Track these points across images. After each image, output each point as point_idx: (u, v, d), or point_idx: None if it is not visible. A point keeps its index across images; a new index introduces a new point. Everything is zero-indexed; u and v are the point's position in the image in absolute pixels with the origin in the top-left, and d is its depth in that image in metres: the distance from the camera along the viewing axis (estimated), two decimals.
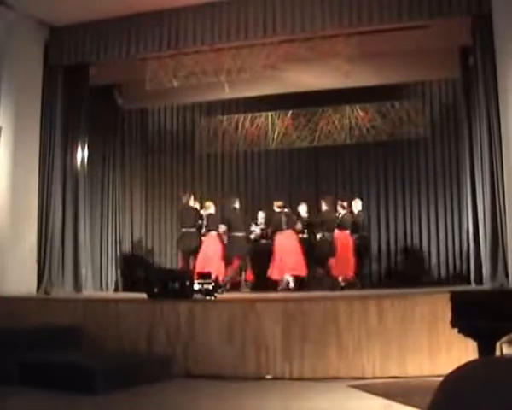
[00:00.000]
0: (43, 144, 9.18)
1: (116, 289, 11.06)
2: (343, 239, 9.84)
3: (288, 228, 9.79)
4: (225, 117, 12.22)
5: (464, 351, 5.21)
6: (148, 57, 9.57)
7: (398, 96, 11.38)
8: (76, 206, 9.45)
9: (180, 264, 10.60)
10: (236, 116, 12.10)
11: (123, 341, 6.57)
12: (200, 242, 9.97)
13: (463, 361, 1.18)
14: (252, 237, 10.38)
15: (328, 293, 8.73)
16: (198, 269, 9.08)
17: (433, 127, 11.23)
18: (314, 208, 10.63)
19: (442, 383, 1.13)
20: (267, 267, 9.70)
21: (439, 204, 11.10)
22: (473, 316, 4.12)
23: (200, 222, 10.07)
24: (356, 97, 11.10)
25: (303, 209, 10.40)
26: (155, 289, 7.14)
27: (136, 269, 11.27)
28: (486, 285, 7.66)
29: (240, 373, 6.00)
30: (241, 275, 10.10)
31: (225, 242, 10.09)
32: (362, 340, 5.93)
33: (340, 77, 9.21)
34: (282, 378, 5.92)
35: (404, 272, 10.85)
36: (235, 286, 9.91)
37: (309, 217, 10.38)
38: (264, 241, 10.36)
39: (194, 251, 9.87)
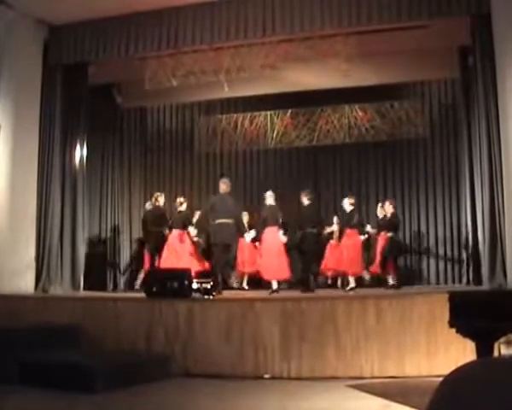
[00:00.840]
0: (42, 143, 9.18)
1: (114, 289, 11.09)
2: (380, 239, 9.65)
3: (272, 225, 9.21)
4: (224, 116, 12.22)
5: (462, 351, 5.23)
6: (147, 56, 9.56)
7: (398, 95, 11.39)
8: (74, 205, 9.44)
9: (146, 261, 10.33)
10: (235, 115, 12.11)
11: (122, 340, 6.57)
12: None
13: (461, 361, 1.19)
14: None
15: (327, 293, 8.73)
16: (165, 265, 9.14)
17: (432, 127, 11.24)
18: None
19: (441, 383, 1.13)
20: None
21: (437, 204, 11.11)
22: (471, 316, 4.12)
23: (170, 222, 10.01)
24: (355, 97, 11.11)
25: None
26: (154, 289, 7.14)
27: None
28: (485, 286, 7.67)
29: (238, 373, 6.01)
30: (229, 267, 10.00)
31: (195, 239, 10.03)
32: (360, 340, 5.94)
33: (339, 76, 9.21)
34: (281, 378, 5.93)
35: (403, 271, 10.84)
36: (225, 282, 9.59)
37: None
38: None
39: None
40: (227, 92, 9.84)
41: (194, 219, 10.34)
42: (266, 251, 9.21)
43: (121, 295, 9.18)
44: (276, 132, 11.86)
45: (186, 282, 7.13)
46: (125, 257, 11.67)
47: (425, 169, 11.27)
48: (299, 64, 9.40)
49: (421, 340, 5.82)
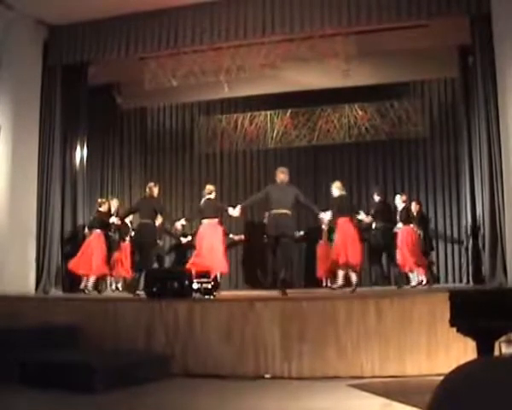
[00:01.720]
0: (42, 143, 9.18)
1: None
2: (406, 233, 9.49)
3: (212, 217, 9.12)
4: (224, 116, 12.23)
5: (463, 350, 5.22)
6: (147, 56, 9.57)
7: (397, 95, 11.38)
8: (75, 205, 9.45)
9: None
10: (235, 115, 12.11)
11: (122, 340, 6.57)
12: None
13: (462, 360, 1.18)
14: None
15: (326, 293, 8.72)
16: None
17: (432, 127, 11.24)
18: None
19: (441, 382, 1.13)
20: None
21: (437, 203, 11.11)
22: (471, 315, 4.12)
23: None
24: (355, 97, 11.11)
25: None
26: (154, 288, 7.14)
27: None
28: (485, 284, 7.67)
29: (239, 372, 6.00)
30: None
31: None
32: (361, 339, 5.93)
33: (338, 76, 9.22)
34: (281, 378, 5.92)
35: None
36: None
37: None
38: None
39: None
40: (227, 92, 9.87)
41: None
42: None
43: (121, 296, 9.17)
44: (276, 132, 11.86)
45: (186, 282, 7.13)
46: None
47: (425, 168, 11.26)
48: (299, 64, 9.40)
49: (422, 339, 5.82)
